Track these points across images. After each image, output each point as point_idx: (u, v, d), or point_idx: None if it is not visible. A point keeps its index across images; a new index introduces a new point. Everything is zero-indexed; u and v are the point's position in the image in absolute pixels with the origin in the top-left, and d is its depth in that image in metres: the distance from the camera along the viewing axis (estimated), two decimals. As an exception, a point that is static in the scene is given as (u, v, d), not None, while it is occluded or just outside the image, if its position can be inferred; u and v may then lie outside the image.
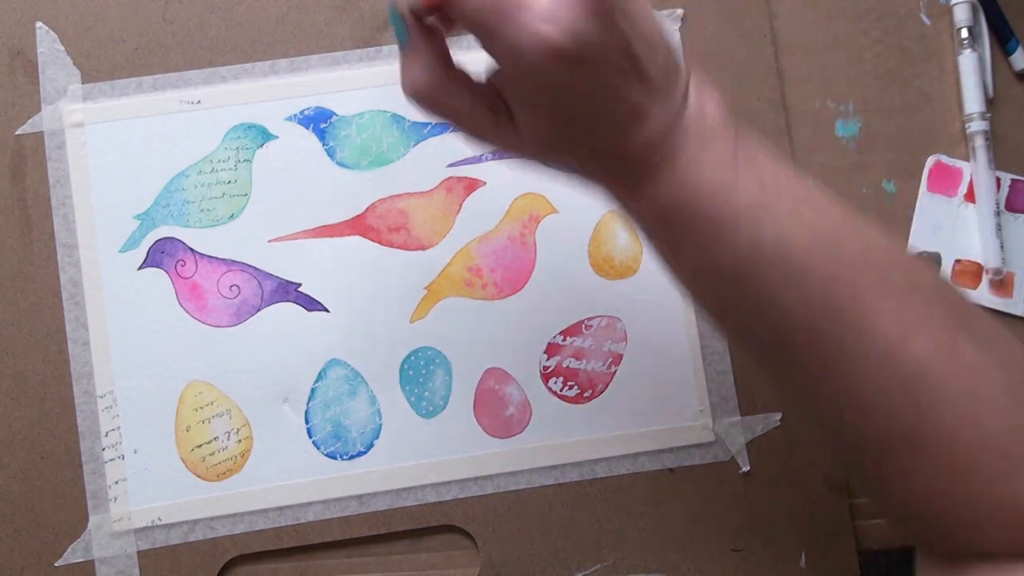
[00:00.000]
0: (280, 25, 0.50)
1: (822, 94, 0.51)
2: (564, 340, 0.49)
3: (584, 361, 0.49)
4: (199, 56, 0.50)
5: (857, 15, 0.52)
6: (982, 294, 0.50)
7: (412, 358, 0.49)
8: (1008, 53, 0.52)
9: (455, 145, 0.50)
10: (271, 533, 0.48)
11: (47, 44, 0.49)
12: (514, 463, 0.48)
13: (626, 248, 0.50)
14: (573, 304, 0.49)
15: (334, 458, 0.48)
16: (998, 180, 0.50)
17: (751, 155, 0.34)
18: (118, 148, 0.49)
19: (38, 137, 0.49)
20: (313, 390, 0.48)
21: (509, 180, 0.50)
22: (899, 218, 0.51)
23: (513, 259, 0.50)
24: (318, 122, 0.50)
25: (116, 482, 0.47)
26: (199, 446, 0.48)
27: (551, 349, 0.49)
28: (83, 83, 0.49)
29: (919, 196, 0.51)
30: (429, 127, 0.50)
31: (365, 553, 0.48)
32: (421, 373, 0.49)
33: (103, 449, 0.48)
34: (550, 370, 0.49)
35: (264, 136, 0.49)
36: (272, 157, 0.49)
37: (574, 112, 0.33)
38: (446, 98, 0.36)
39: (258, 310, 0.49)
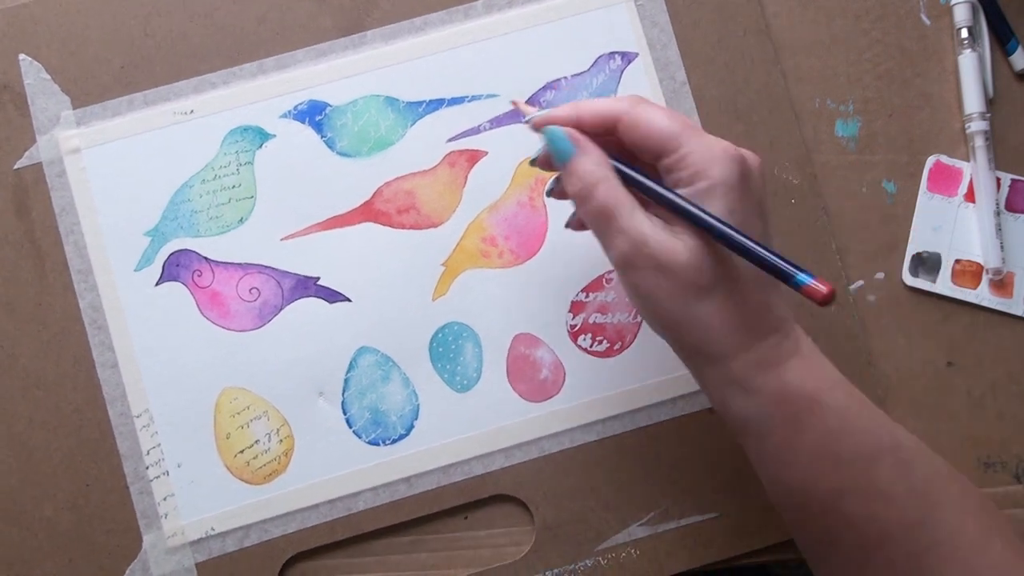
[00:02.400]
0: (262, 25, 0.50)
1: (822, 94, 0.51)
2: (587, 297, 0.49)
3: (610, 314, 0.49)
4: (186, 66, 0.50)
5: (857, 15, 0.52)
6: (982, 294, 0.50)
7: (440, 335, 0.49)
8: (1008, 53, 0.51)
9: (452, 119, 0.50)
10: (325, 527, 0.48)
11: (33, 75, 0.49)
12: (555, 424, 0.49)
13: (635, 198, 0.50)
14: (591, 260, 0.50)
15: (377, 444, 0.48)
16: (998, 180, 0.50)
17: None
18: (118, 168, 0.49)
19: (37, 168, 0.49)
20: (346, 380, 0.49)
21: (510, 146, 0.50)
22: (899, 218, 0.51)
23: (525, 224, 0.50)
24: (313, 115, 0.50)
25: (165, 498, 0.48)
26: (241, 451, 0.48)
27: (575, 307, 0.49)
28: (74, 108, 0.49)
29: (919, 196, 0.51)
30: (424, 105, 0.50)
31: (422, 533, 0.48)
32: (451, 349, 0.49)
33: (147, 468, 0.48)
34: (577, 328, 0.49)
35: (262, 137, 0.49)
36: (273, 156, 0.49)
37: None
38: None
39: (281, 309, 0.49)
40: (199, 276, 0.49)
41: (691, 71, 0.50)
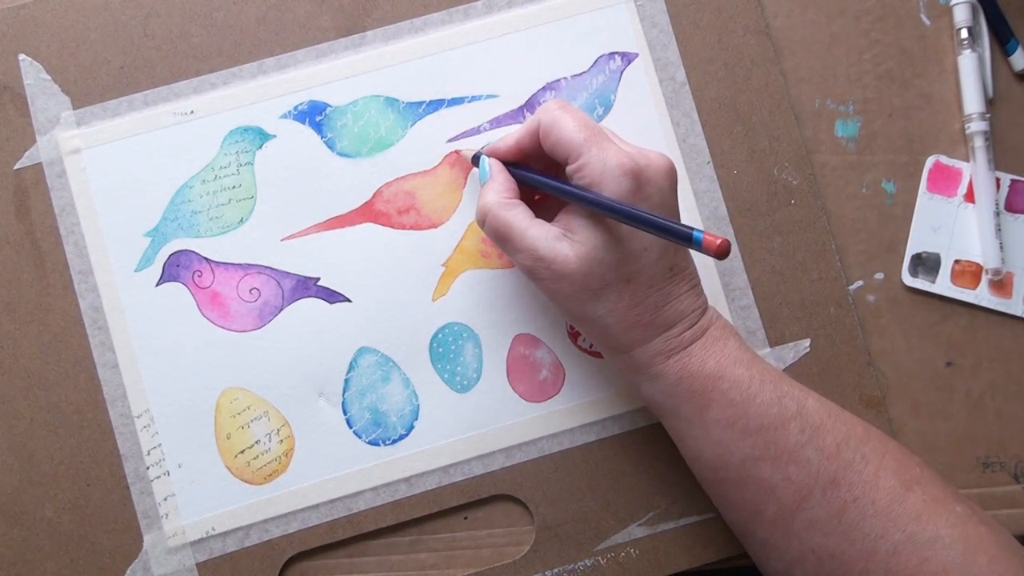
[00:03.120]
0: (261, 25, 0.50)
1: (822, 94, 0.51)
2: (587, 297, 0.49)
3: (609, 315, 0.49)
4: (186, 66, 0.50)
5: (857, 15, 0.52)
6: (981, 294, 0.50)
7: (440, 336, 0.49)
8: (1008, 53, 0.51)
9: (452, 119, 0.50)
10: (325, 527, 0.48)
11: (33, 75, 0.49)
12: (555, 425, 0.49)
13: (635, 198, 0.50)
14: (591, 260, 0.50)
15: (377, 445, 0.48)
16: (998, 180, 0.50)
17: (754, 351, 0.44)
18: (118, 169, 0.49)
19: (37, 169, 0.49)
20: (347, 381, 0.49)
21: (510, 147, 0.50)
22: (899, 218, 0.51)
23: (525, 224, 0.50)
24: (313, 115, 0.50)
25: (165, 498, 0.48)
26: (242, 451, 0.48)
27: (575, 308, 0.49)
28: (74, 109, 0.49)
29: (918, 196, 0.51)
30: (424, 106, 0.50)
31: (422, 532, 0.49)
32: (451, 349, 0.49)
33: (147, 468, 0.48)
34: (576, 329, 0.49)
35: (262, 137, 0.49)
36: (273, 157, 0.49)
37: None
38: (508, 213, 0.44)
39: (281, 310, 0.49)
40: (199, 276, 0.49)
41: (691, 71, 0.50)
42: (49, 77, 0.49)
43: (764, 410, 0.41)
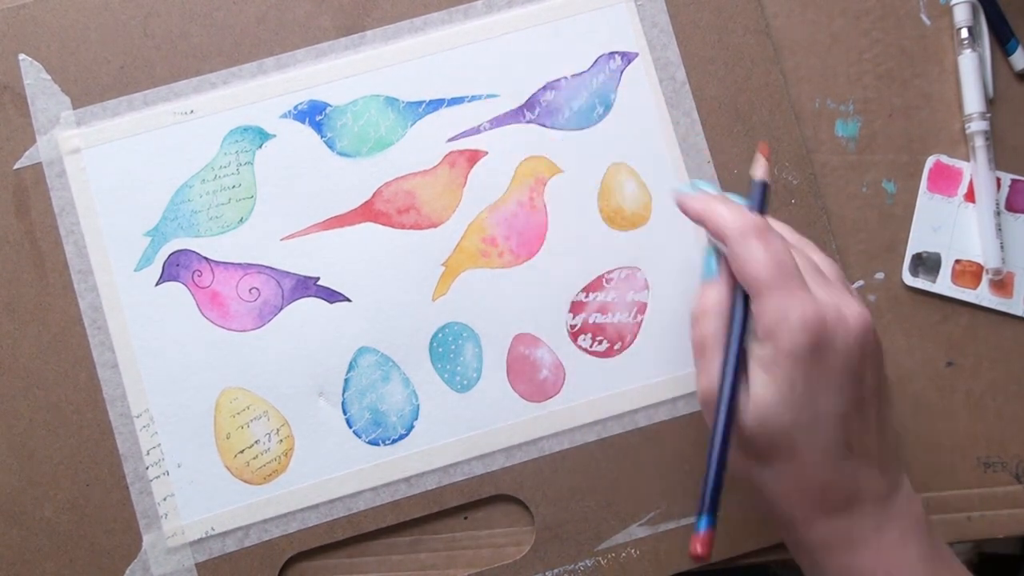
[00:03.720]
0: (261, 24, 0.50)
1: (822, 94, 0.51)
2: (587, 296, 0.49)
3: (610, 314, 0.49)
4: (186, 66, 0.50)
5: (857, 15, 0.52)
6: (982, 294, 0.50)
7: (440, 335, 0.49)
8: (1008, 53, 0.51)
9: (452, 119, 0.50)
10: (325, 527, 0.48)
11: (33, 75, 0.49)
12: (555, 425, 0.49)
13: (635, 197, 0.50)
14: (591, 260, 0.50)
15: (376, 445, 0.48)
16: (998, 180, 0.50)
17: (947, 558, 0.38)
18: (118, 168, 0.49)
19: (37, 168, 0.49)
20: (346, 380, 0.49)
21: (510, 146, 0.50)
22: (899, 218, 0.51)
23: (525, 224, 0.50)
24: (313, 115, 0.50)
25: (164, 498, 0.48)
26: (241, 451, 0.48)
27: (575, 307, 0.49)
28: (74, 108, 0.49)
29: (919, 196, 0.51)
30: (424, 105, 0.50)
31: (422, 533, 0.48)
32: (451, 349, 0.49)
33: (147, 468, 0.48)
34: (577, 328, 0.49)
35: (262, 136, 0.49)
36: (273, 156, 0.49)
37: (816, 399, 0.37)
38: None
39: (280, 309, 0.49)
40: (199, 276, 0.49)
41: (691, 71, 0.50)
42: (49, 77, 0.49)
43: None
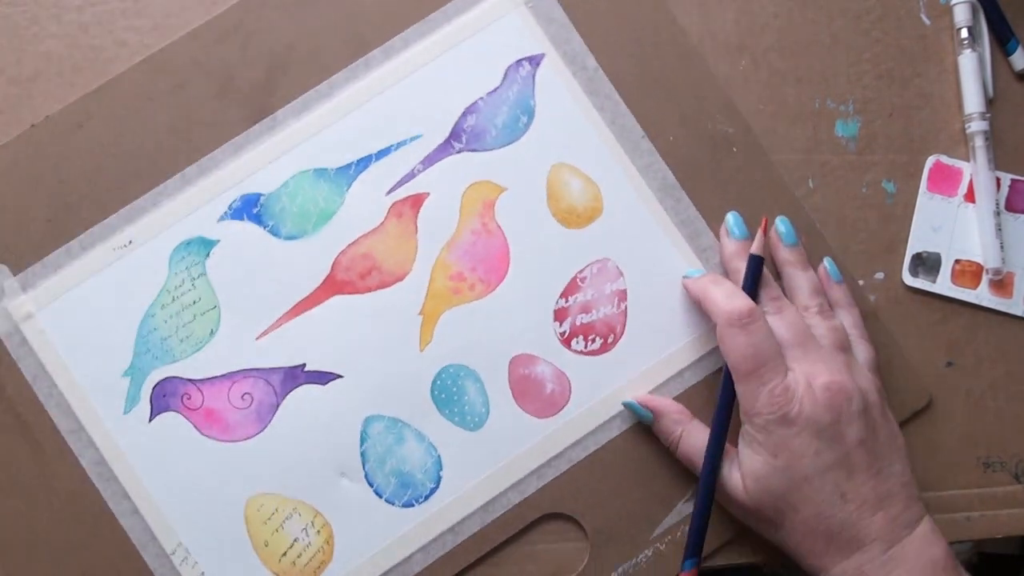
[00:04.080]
0: (172, 135, 0.49)
1: (822, 94, 0.51)
2: (567, 301, 0.50)
3: (594, 311, 0.50)
4: (110, 199, 0.49)
5: (857, 15, 0.51)
6: (982, 294, 0.50)
7: (438, 382, 0.49)
8: (1008, 53, 0.51)
9: (385, 171, 0.50)
10: (387, 600, 0.48)
11: (-37, 255, 0.48)
12: (575, 432, 0.49)
13: (583, 192, 0.50)
14: (559, 265, 0.50)
15: (412, 506, 0.48)
16: (998, 180, 0.50)
17: None
18: (77, 319, 0.48)
19: (-3, 345, 0.48)
20: (363, 454, 0.48)
21: (449, 180, 0.50)
22: (899, 218, 0.51)
23: (486, 250, 0.50)
24: (250, 209, 0.49)
25: (224, 623, 0.47)
26: (284, 554, 0.48)
27: (559, 314, 0.50)
28: (15, 275, 0.48)
29: (919, 196, 0.51)
30: (353, 167, 0.49)
31: (483, 574, 0.49)
32: (452, 392, 0.49)
33: (197, 599, 0.47)
34: (567, 334, 0.49)
35: (206, 245, 0.49)
36: (223, 261, 0.49)
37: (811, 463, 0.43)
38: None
39: (278, 406, 0.48)
40: (188, 399, 0.48)
41: (599, 55, 0.50)
42: (-20, 252, 0.48)
43: None
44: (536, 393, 0.49)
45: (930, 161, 0.51)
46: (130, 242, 0.49)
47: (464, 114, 0.50)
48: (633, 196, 0.50)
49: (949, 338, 0.51)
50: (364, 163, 0.50)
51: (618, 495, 0.49)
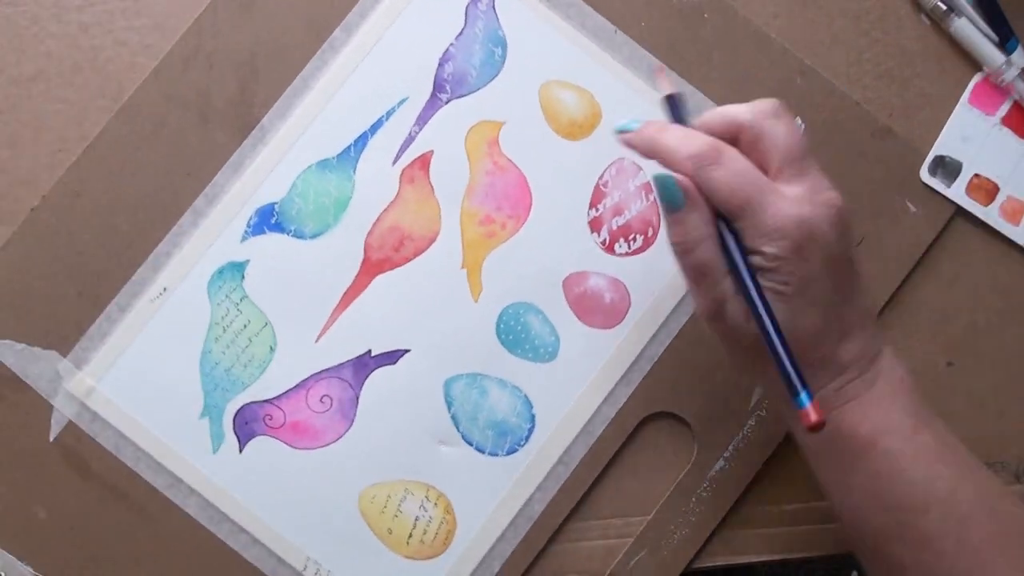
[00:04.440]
0: (170, 174, 0.49)
1: None
2: (598, 210, 0.50)
3: (626, 211, 0.50)
4: (132, 255, 0.48)
5: (857, 15, 0.51)
6: (991, 213, 0.50)
7: (502, 326, 0.49)
8: (1008, 53, 0.51)
9: (384, 142, 0.49)
10: (522, 546, 0.48)
11: (10, 354, 0.48)
12: (646, 332, 0.49)
13: (578, 103, 0.50)
14: (578, 178, 0.50)
15: (515, 451, 0.49)
16: None
17: (931, 416, 0.40)
18: (138, 379, 0.48)
19: (71, 428, 0.48)
20: (453, 417, 0.49)
21: (447, 131, 0.50)
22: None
23: (505, 187, 0.50)
24: (268, 221, 0.49)
25: (376, 619, 0.48)
26: (410, 535, 0.48)
27: (594, 224, 0.50)
28: (65, 356, 0.48)
29: (957, 105, 0.51)
30: (352, 148, 0.49)
31: (600, 495, 0.49)
32: (519, 331, 0.49)
33: (343, 605, 0.48)
34: (608, 241, 0.50)
35: (238, 269, 0.49)
36: (260, 278, 0.49)
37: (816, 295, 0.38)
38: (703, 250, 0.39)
39: (358, 397, 0.48)
40: (270, 420, 0.48)
41: (551, -34, 0.50)
42: (24, 345, 0.48)
43: (908, 490, 0.39)
44: (597, 306, 0.49)
45: (978, 76, 0.51)
46: (165, 289, 0.48)
47: (440, 64, 0.50)
48: (626, 91, 0.50)
49: (949, 338, 0.51)
50: (362, 141, 0.49)
51: (705, 379, 0.49)
